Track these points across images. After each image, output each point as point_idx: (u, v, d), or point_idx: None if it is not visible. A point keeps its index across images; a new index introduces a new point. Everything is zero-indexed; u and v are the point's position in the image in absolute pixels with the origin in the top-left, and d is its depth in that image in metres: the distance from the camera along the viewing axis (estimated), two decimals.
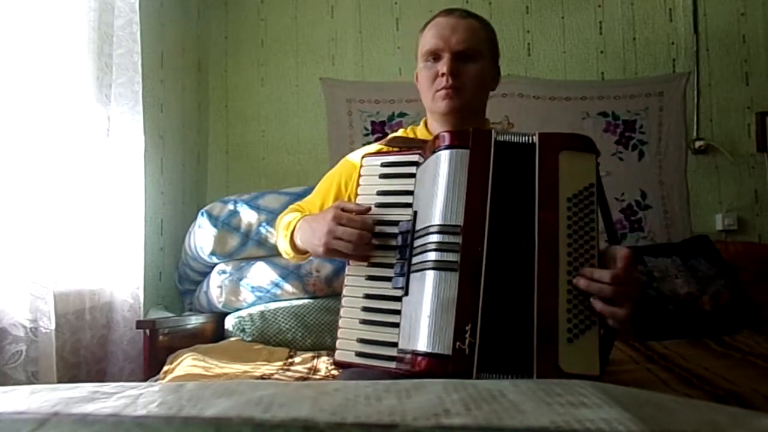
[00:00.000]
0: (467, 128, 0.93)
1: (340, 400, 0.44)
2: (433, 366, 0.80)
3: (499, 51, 1.26)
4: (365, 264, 0.98)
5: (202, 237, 1.96)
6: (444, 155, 0.89)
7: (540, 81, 2.70)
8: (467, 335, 0.80)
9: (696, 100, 2.66)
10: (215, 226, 1.96)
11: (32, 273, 1.31)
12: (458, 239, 0.84)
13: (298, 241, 1.14)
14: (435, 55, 1.16)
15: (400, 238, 0.94)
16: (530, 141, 0.88)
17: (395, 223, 0.96)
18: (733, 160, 2.62)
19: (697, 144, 2.63)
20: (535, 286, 0.83)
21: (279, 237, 1.26)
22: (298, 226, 1.14)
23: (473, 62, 1.15)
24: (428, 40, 1.17)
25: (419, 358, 0.81)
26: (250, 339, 1.89)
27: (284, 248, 1.22)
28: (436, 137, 0.92)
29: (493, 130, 0.92)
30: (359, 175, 1.05)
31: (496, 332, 0.82)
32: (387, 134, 2.65)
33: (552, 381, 0.52)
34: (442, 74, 1.13)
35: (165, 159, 2.29)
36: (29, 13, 1.35)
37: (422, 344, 0.81)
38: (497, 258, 0.84)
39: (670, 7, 2.70)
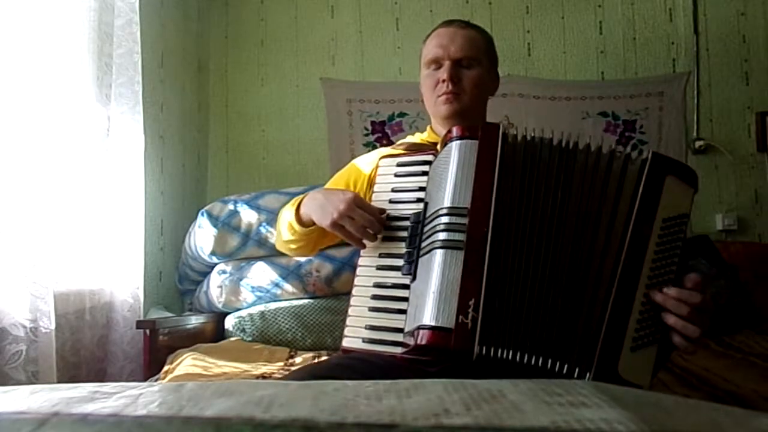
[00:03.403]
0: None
1: (340, 400, 0.44)
2: (436, 339, 0.83)
3: (498, 56, 1.32)
4: (376, 255, 1.01)
5: (202, 237, 1.96)
6: (455, 145, 0.92)
7: (540, 81, 2.70)
8: (470, 310, 0.82)
9: (696, 100, 2.66)
10: (215, 226, 1.96)
11: (32, 273, 1.31)
12: (465, 220, 0.87)
13: (304, 209, 1.15)
14: (436, 64, 1.23)
15: (410, 228, 0.97)
16: (644, 156, 0.92)
17: (407, 217, 0.99)
18: (733, 160, 2.62)
19: (697, 144, 2.63)
20: (614, 290, 0.86)
21: (286, 211, 1.25)
22: (310, 195, 1.15)
23: (472, 69, 1.22)
24: (430, 49, 1.25)
25: (423, 331, 0.84)
26: (250, 339, 1.89)
27: (289, 214, 1.22)
28: (448, 131, 0.96)
29: (507, 127, 0.95)
30: (377, 175, 1.10)
31: (507, 309, 0.85)
32: (387, 134, 2.66)
33: (552, 381, 0.52)
34: (443, 80, 1.20)
35: (165, 159, 2.29)
36: (29, 13, 1.35)
37: (427, 318, 0.84)
38: (512, 241, 0.87)
39: (670, 7, 2.70)
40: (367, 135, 2.70)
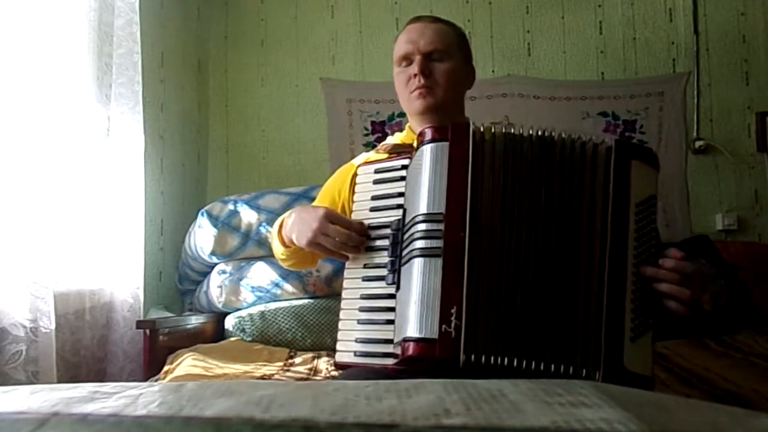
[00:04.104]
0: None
1: (340, 400, 0.44)
2: (421, 350, 0.81)
3: (471, 52, 1.29)
4: (361, 266, 1.00)
5: (202, 237, 1.96)
6: (426, 149, 0.91)
7: (540, 81, 2.70)
8: (453, 318, 0.81)
9: (696, 100, 2.66)
10: (215, 226, 1.96)
11: (32, 273, 1.31)
12: (442, 226, 0.86)
13: (284, 231, 1.16)
14: (407, 60, 1.21)
15: (392, 236, 0.96)
16: (608, 144, 0.91)
17: (389, 225, 0.98)
18: (733, 160, 2.62)
19: (697, 144, 2.63)
20: (605, 284, 0.85)
21: (272, 233, 1.28)
22: (288, 216, 1.16)
23: (443, 62, 1.19)
24: (400, 46, 1.23)
25: (408, 343, 0.83)
26: (250, 339, 1.89)
27: (273, 236, 1.24)
28: (419, 134, 0.94)
29: (497, 125, 0.93)
30: (355, 183, 1.08)
31: (491, 314, 0.83)
32: (387, 134, 2.66)
33: (552, 381, 0.52)
34: (414, 75, 1.18)
35: (165, 159, 2.29)
36: (29, 13, 1.35)
37: (411, 330, 0.83)
38: (491, 244, 0.85)
39: (670, 7, 2.70)
40: (367, 135, 2.70)
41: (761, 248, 2.49)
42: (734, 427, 0.42)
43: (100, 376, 1.65)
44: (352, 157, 1.40)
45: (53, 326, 1.33)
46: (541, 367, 0.82)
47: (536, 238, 0.86)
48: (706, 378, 1.43)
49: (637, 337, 0.85)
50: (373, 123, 2.71)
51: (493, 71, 2.72)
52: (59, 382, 1.36)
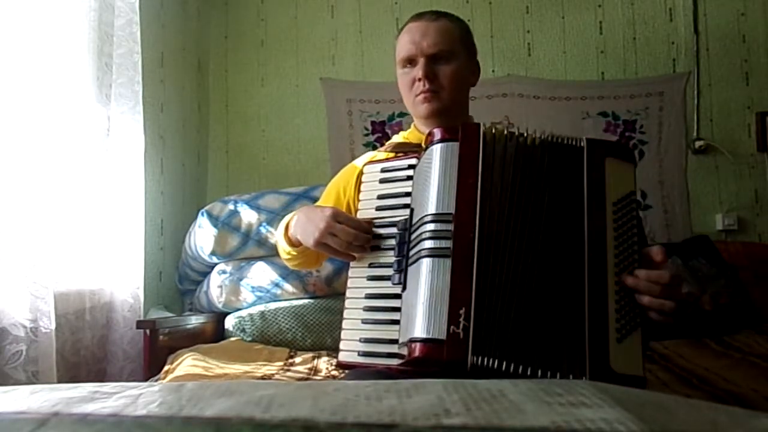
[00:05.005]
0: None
1: (340, 400, 0.44)
2: (429, 351, 0.81)
3: (476, 44, 1.26)
4: (366, 265, 0.99)
5: (203, 237, 1.96)
6: (436, 149, 0.91)
7: (540, 81, 2.70)
8: (461, 319, 0.80)
9: (696, 100, 2.65)
10: (215, 226, 1.96)
11: (32, 273, 1.31)
12: (451, 226, 0.85)
13: (291, 231, 1.15)
14: (410, 61, 1.18)
15: (398, 236, 0.95)
16: (579, 144, 0.91)
17: (395, 224, 0.97)
18: (733, 160, 2.62)
19: (697, 144, 2.63)
20: (586, 286, 0.85)
21: (278, 233, 1.27)
22: (295, 216, 1.16)
23: (448, 63, 1.17)
24: (402, 46, 1.20)
25: (416, 344, 0.82)
26: (250, 339, 1.89)
27: (280, 236, 1.24)
28: (429, 134, 0.94)
29: (501, 125, 0.94)
30: (361, 182, 1.08)
31: (497, 317, 0.82)
32: (387, 134, 2.66)
33: (552, 381, 0.52)
34: (419, 79, 1.16)
35: (165, 159, 2.29)
36: (30, 13, 1.35)
37: (418, 331, 0.82)
38: (499, 245, 0.85)
39: (670, 7, 2.70)
40: (367, 135, 2.70)
41: (761, 248, 2.49)
42: (734, 427, 0.42)
43: (100, 376, 1.65)
44: (353, 158, 1.39)
45: (53, 326, 1.33)
46: (528, 372, 0.81)
47: (538, 240, 0.86)
48: (706, 378, 1.43)
49: (624, 338, 0.84)
50: (373, 123, 2.71)
51: (493, 71, 2.72)
52: (59, 382, 1.36)
